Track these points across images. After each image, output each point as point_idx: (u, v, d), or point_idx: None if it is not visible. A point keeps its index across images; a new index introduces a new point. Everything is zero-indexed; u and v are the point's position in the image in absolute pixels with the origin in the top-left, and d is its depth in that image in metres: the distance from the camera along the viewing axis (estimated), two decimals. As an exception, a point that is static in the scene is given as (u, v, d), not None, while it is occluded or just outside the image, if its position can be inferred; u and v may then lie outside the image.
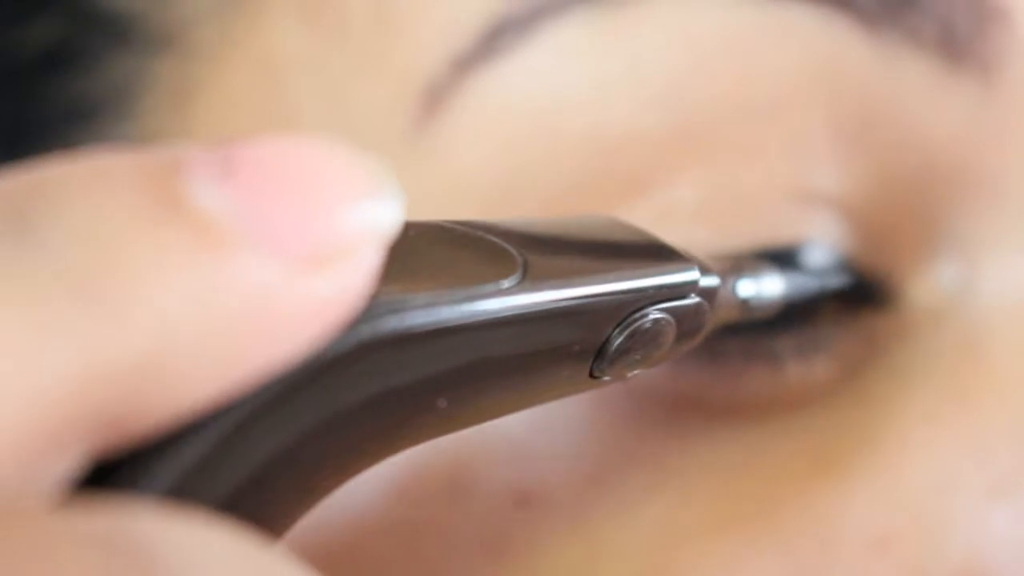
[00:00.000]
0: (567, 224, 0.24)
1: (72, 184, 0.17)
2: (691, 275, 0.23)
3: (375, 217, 0.19)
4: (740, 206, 0.29)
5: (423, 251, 0.21)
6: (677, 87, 0.28)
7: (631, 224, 0.24)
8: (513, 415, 0.28)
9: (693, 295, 0.23)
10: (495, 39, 0.28)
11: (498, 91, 0.28)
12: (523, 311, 0.21)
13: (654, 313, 0.23)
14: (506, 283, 0.20)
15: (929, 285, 0.30)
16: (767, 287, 0.27)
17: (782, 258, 0.29)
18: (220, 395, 0.18)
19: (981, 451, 0.28)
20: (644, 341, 0.23)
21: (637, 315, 0.22)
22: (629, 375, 0.23)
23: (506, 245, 0.21)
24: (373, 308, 0.19)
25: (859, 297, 0.30)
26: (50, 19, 0.32)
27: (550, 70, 0.28)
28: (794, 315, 0.29)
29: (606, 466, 0.29)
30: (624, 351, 0.22)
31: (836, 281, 0.29)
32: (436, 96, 0.29)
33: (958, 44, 0.28)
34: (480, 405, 0.21)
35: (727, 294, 0.25)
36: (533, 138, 0.28)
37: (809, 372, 0.29)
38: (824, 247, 0.29)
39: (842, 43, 0.28)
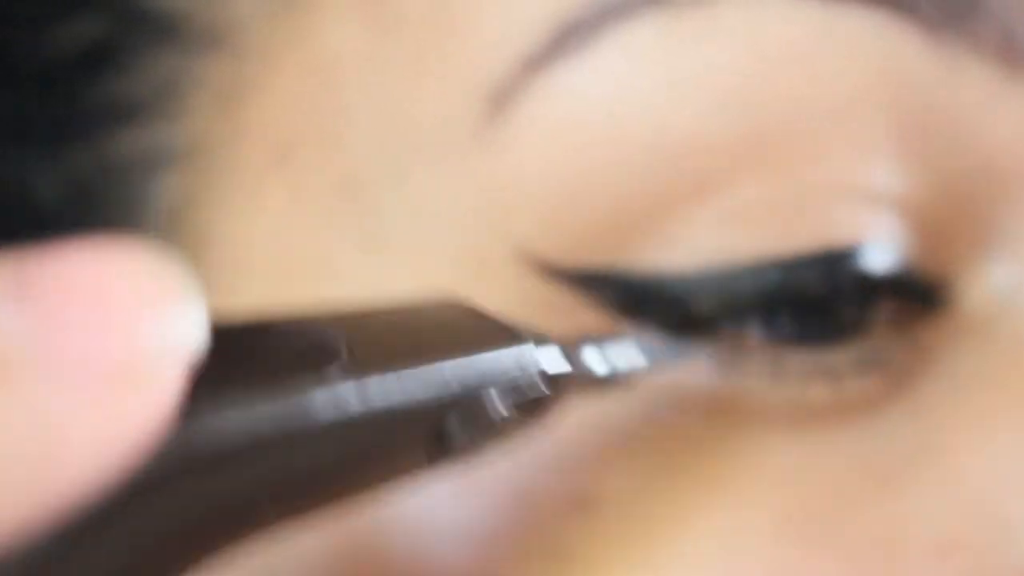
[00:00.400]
0: (396, 310, 0.23)
1: None
2: (533, 357, 0.23)
3: (175, 332, 0.18)
4: (803, 208, 0.29)
5: (236, 354, 0.19)
6: (745, 91, 0.28)
7: (472, 305, 0.24)
8: (570, 417, 0.28)
9: (531, 375, 0.23)
10: (564, 41, 0.28)
11: (567, 93, 0.28)
12: (348, 406, 0.19)
13: (497, 400, 0.22)
14: (330, 375, 0.19)
15: (983, 288, 0.30)
16: (621, 358, 0.26)
17: (841, 259, 0.29)
18: (16, 530, 0.17)
19: None
20: (482, 425, 0.22)
21: (477, 401, 0.22)
22: (467, 456, 0.22)
23: (328, 332, 0.20)
24: (183, 427, 0.18)
25: (913, 301, 0.30)
26: (91, 17, 0.32)
27: (618, 72, 0.28)
28: (847, 324, 0.29)
29: (661, 474, 0.29)
30: (461, 436, 0.22)
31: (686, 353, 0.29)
32: (503, 98, 0.29)
33: (1018, 51, 0.29)
34: (309, 506, 0.20)
35: (576, 368, 0.25)
36: (601, 141, 0.28)
37: (866, 382, 0.29)
38: (883, 248, 0.29)
39: (905, 49, 0.28)
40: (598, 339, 0.27)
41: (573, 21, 0.28)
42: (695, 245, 0.29)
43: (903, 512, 0.28)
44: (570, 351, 0.25)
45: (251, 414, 0.18)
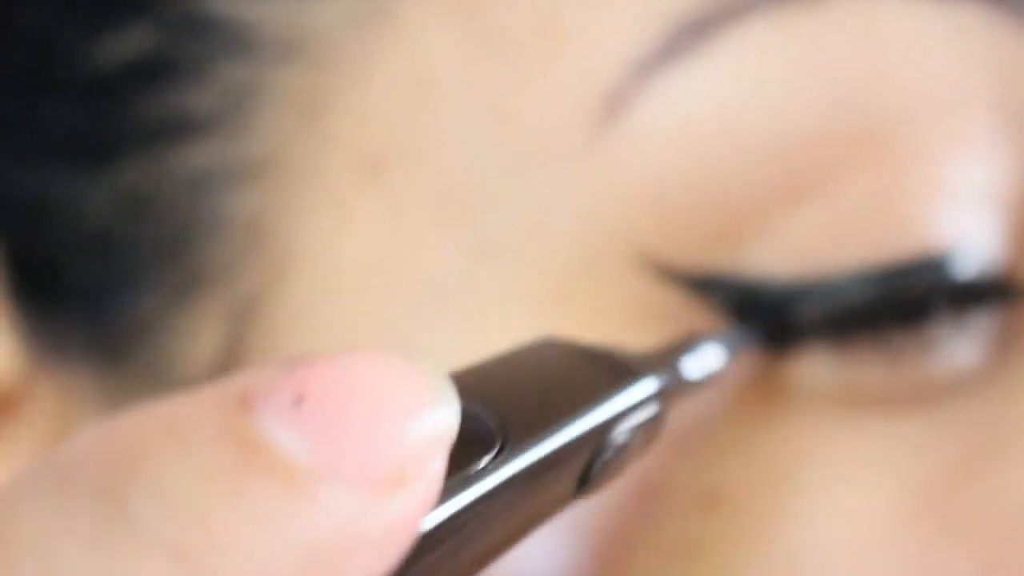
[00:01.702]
0: (516, 364, 0.24)
1: (152, 448, 0.18)
2: (649, 387, 0.25)
3: (439, 425, 0.19)
4: (904, 207, 0.29)
5: None
6: (862, 89, 0.28)
7: (571, 342, 0.25)
8: (685, 415, 0.28)
9: (652, 403, 0.25)
10: (677, 43, 0.28)
11: (681, 95, 0.28)
12: (511, 483, 0.21)
13: (623, 431, 0.24)
14: (487, 460, 0.21)
15: None
16: (709, 361, 0.27)
17: (939, 267, 0.29)
18: None
19: None
20: (618, 457, 0.24)
21: (609, 440, 0.24)
22: (601, 484, 0.24)
23: (482, 419, 0.22)
24: None
25: (1008, 296, 0.30)
26: (142, 26, 0.31)
27: (733, 72, 0.28)
28: (945, 311, 0.30)
29: (781, 466, 0.29)
30: (602, 472, 0.24)
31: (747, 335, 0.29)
32: (616, 103, 0.28)
33: None
34: (473, 562, 0.22)
35: (680, 382, 0.26)
36: (717, 142, 0.28)
37: (965, 359, 0.30)
38: (978, 252, 0.29)
39: (1010, 44, 0.29)
40: (690, 345, 0.27)
41: (686, 22, 0.28)
42: (803, 247, 0.29)
43: (1016, 487, 0.29)
44: (674, 367, 0.26)
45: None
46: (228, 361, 0.31)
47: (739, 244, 0.29)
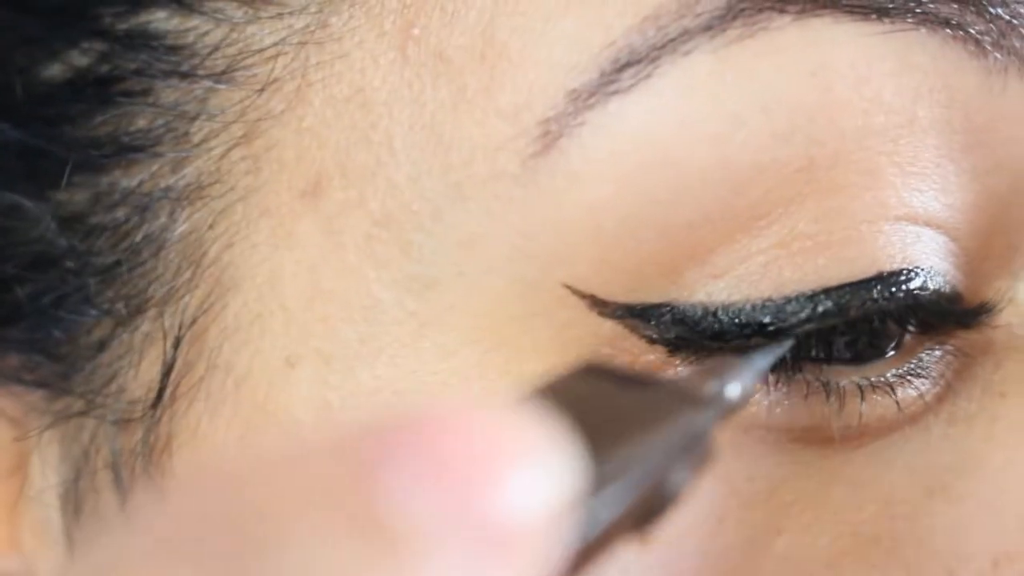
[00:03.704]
0: (580, 393, 0.24)
1: (286, 519, 0.18)
2: (702, 416, 0.24)
3: (562, 484, 0.19)
4: (853, 236, 0.29)
5: None
6: (805, 119, 0.28)
7: (613, 367, 0.25)
8: None
9: (705, 430, 0.24)
10: (617, 75, 0.28)
11: (621, 127, 0.28)
12: (600, 520, 0.21)
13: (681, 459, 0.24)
14: (593, 505, 0.21)
15: (1014, 301, 0.30)
16: (748, 381, 0.27)
17: (889, 284, 0.29)
18: None
19: None
20: (673, 484, 0.24)
21: (673, 471, 0.23)
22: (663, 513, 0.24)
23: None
24: None
25: (954, 317, 0.30)
26: (83, 46, 0.31)
27: (674, 106, 0.28)
28: (890, 343, 0.30)
29: (725, 504, 0.29)
30: (662, 506, 0.23)
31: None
32: (553, 133, 0.28)
33: None
34: None
35: (725, 408, 0.26)
36: (656, 173, 0.28)
37: (911, 393, 0.30)
38: (926, 268, 0.29)
39: (956, 67, 0.29)
40: (730, 370, 0.27)
41: (627, 54, 0.28)
42: (748, 275, 0.28)
43: (958, 527, 0.29)
44: (719, 393, 0.26)
45: None
46: (171, 382, 0.31)
47: (679, 275, 0.28)
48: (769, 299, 0.28)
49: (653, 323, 0.28)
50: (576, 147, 0.28)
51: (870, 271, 0.29)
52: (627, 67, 0.28)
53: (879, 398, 0.29)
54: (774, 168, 0.28)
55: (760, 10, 0.28)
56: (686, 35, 0.28)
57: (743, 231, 0.28)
